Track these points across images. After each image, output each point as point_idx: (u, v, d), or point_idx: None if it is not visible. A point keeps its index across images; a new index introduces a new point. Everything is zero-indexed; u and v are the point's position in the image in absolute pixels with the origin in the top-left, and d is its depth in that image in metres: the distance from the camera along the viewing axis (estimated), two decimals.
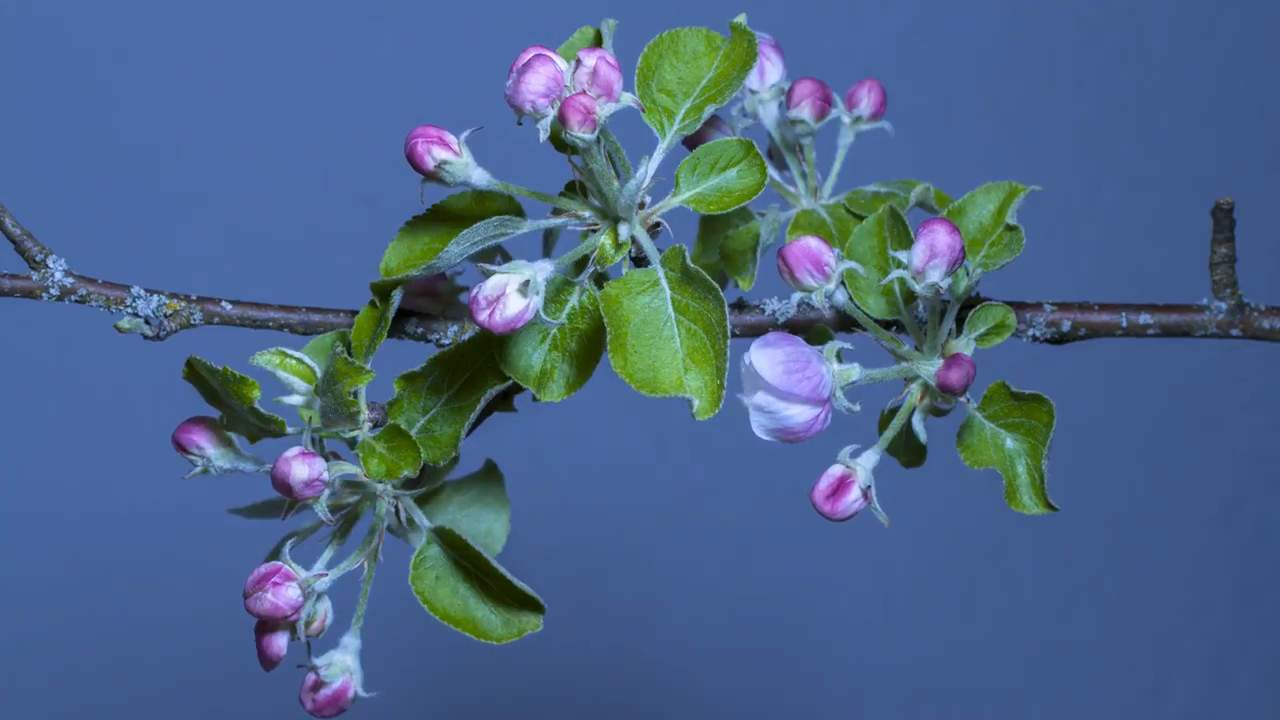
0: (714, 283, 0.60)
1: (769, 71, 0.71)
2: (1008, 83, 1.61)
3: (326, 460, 0.62)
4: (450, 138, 0.62)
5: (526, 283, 0.61)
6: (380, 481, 0.64)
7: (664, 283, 0.61)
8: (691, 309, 0.61)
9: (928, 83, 1.59)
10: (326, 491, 0.62)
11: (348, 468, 0.63)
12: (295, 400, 0.64)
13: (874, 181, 0.71)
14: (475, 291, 0.61)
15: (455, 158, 0.62)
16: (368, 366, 0.62)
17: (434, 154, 0.62)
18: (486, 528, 0.70)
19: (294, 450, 0.62)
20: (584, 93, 0.60)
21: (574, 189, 0.64)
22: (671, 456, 1.54)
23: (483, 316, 0.61)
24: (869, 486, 0.63)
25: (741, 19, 0.64)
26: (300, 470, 0.61)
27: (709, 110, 0.63)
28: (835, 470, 0.63)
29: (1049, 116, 1.62)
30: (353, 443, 0.64)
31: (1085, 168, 1.63)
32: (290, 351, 0.64)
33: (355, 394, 0.62)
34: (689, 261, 0.61)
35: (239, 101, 1.50)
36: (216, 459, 0.65)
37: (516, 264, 0.61)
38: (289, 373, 0.63)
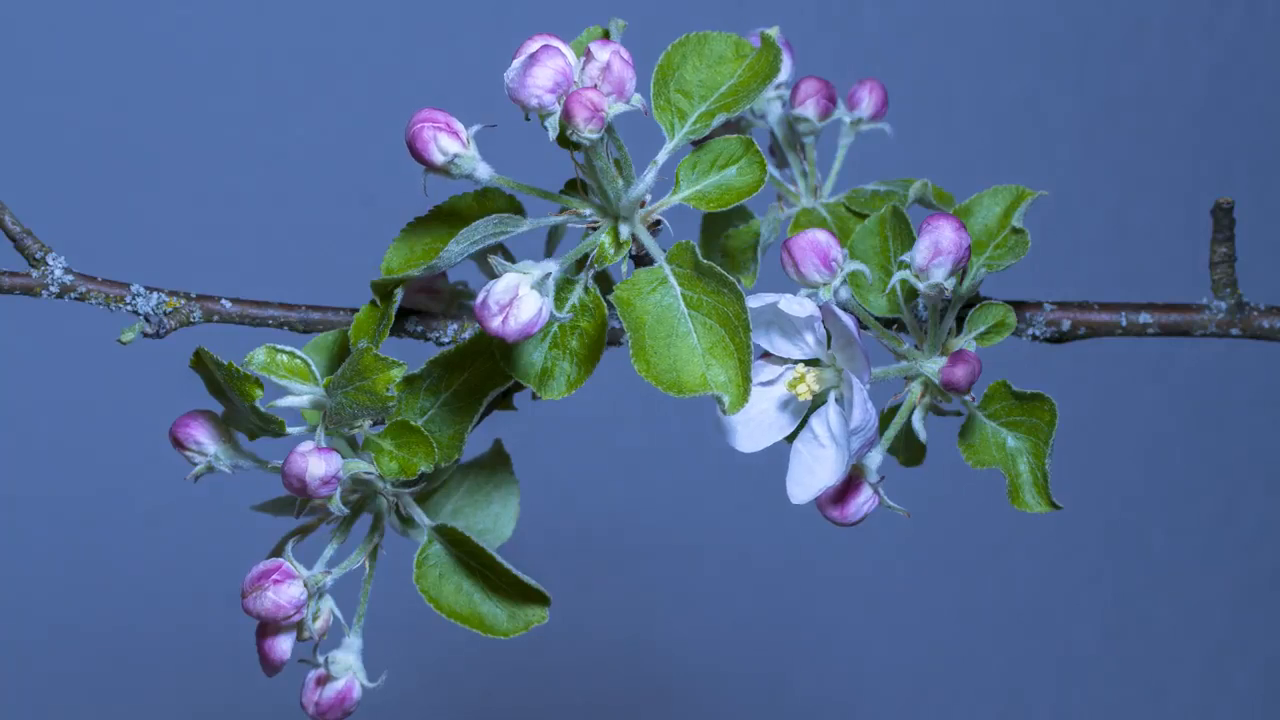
0: (728, 276, 0.59)
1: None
2: (1008, 83, 1.61)
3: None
4: (459, 125, 0.60)
5: (539, 282, 0.59)
6: (380, 479, 0.64)
7: (672, 280, 0.61)
8: (705, 304, 0.60)
9: (928, 82, 1.59)
10: (339, 489, 0.61)
11: (361, 464, 0.62)
12: (295, 401, 0.63)
13: (874, 180, 0.71)
14: (483, 296, 0.58)
15: (464, 150, 0.60)
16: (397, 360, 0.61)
17: (442, 144, 0.60)
18: (495, 511, 0.69)
19: (308, 445, 0.61)
20: (594, 88, 0.58)
21: (575, 186, 0.63)
22: (672, 454, 1.54)
23: (495, 324, 0.58)
24: (879, 481, 0.62)
25: (774, 31, 0.63)
26: (317, 466, 0.60)
27: (720, 118, 0.62)
28: None
29: (1049, 116, 1.62)
30: (352, 441, 0.63)
31: (1085, 167, 1.63)
32: (282, 346, 0.62)
33: (390, 388, 0.60)
34: (700, 256, 0.60)
35: (239, 100, 1.50)
36: (219, 455, 0.64)
37: (525, 264, 0.60)
38: (283, 370, 0.62)
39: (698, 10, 1.33)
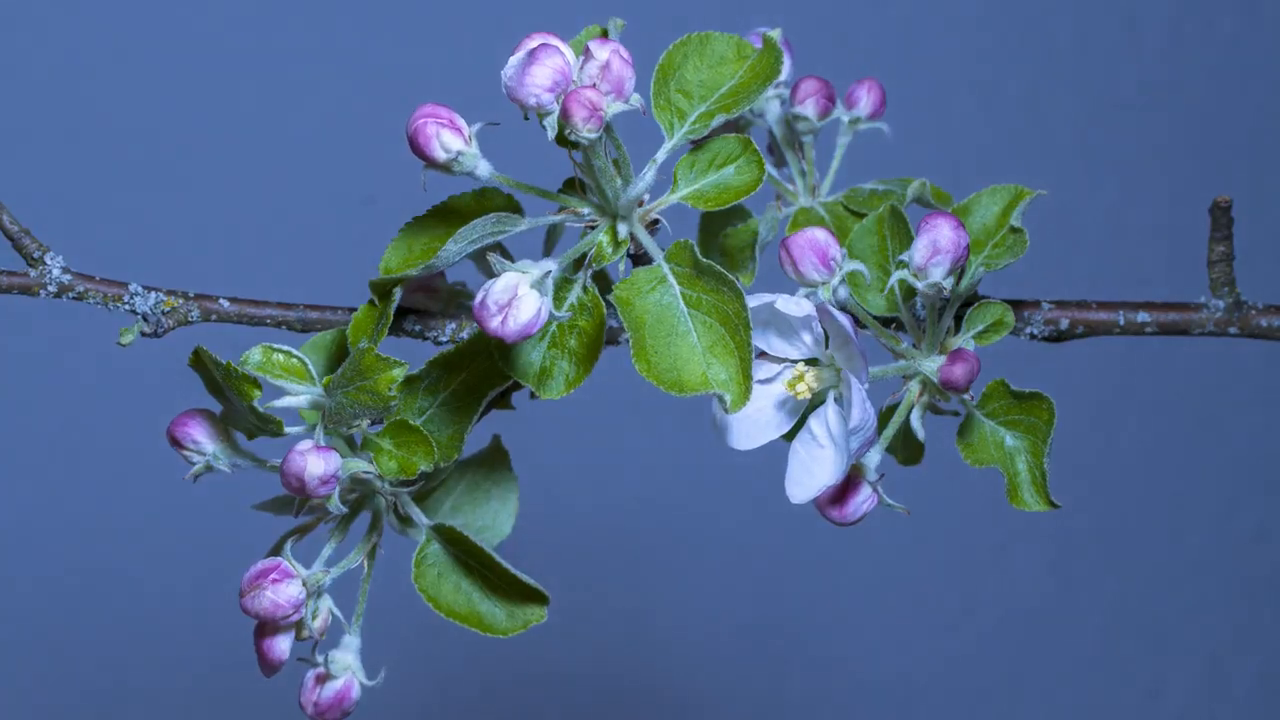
0: (728, 274, 0.59)
1: None
2: (1006, 82, 1.61)
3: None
4: (461, 122, 0.60)
5: (538, 281, 0.59)
6: (379, 479, 0.64)
7: (671, 278, 0.61)
8: (705, 302, 0.60)
9: (927, 82, 1.59)
10: (338, 488, 0.61)
11: (360, 464, 0.62)
12: (293, 401, 0.63)
13: (872, 179, 0.71)
14: (482, 296, 0.58)
15: (467, 147, 0.60)
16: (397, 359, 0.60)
17: (444, 141, 0.60)
18: (495, 508, 0.69)
19: (307, 444, 0.60)
20: (593, 87, 0.58)
21: (573, 185, 0.63)
22: (672, 453, 1.54)
23: (494, 324, 0.58)
24: (878, 479, 0.62)
25: (776, 33, 0.63)
26: (315, 465, 0.60)
27: (719, 119, 0.62)
28: None
29: (1048, 116, 1.62)
30: (350, 440, 0.63)
31: (1083, 167, 1.63)
32: (278, 345, 0.62)
33: (391, 388, 0.60)
34: (699, 255, 0.60)
35: (238, 99, 1.49)
36: (217, 454, 0.63)
37: (524, 263, 0.60)
38: (279, 370, 0.62)
39: (698, 10, 1.33)
